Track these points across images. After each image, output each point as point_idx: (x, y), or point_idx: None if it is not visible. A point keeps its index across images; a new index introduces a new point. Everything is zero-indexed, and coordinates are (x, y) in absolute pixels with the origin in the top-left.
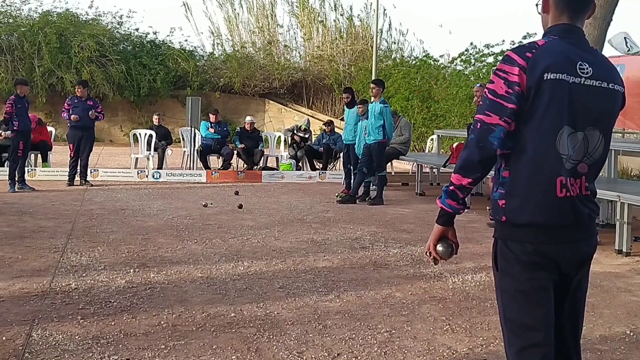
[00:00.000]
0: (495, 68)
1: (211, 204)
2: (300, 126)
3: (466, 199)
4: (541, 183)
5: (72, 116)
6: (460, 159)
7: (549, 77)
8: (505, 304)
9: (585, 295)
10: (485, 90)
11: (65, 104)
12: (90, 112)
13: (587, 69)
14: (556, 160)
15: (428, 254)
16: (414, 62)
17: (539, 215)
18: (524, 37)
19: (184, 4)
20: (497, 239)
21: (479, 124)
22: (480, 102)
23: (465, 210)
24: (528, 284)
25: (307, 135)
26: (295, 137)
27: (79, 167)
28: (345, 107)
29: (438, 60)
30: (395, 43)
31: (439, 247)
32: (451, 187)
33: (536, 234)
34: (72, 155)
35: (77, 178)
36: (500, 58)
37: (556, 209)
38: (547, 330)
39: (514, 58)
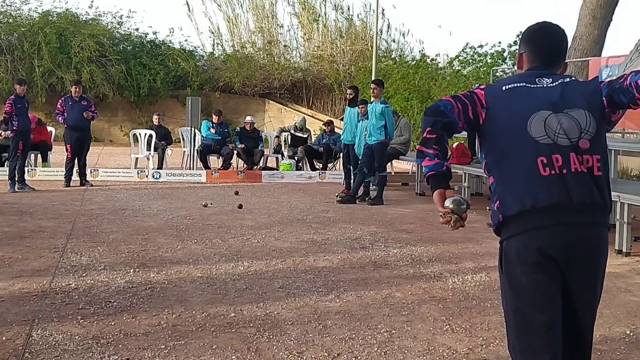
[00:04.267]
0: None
1: (211, 204)
2: (296, 125)
3: (469, 199)
4: (522, 170)
5: (60, 117)
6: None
7: (507, 88)
8: (510, 307)
9: (595, 304)
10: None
11: (59, 106)
12: (85, 113)
13: (549, 80)
14: (530, 144)
15: (442, 217)
16: (412, 62)
17: (528, 198)
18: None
19: (186, 4)
20: (500, 241)
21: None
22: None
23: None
24: (530, 287)
25: (306, 136)
26: (296, 134)
27: (76, 168)
28: (347, 106)
29: (435, 60)
30: (394, 42)
31: (448, 203)
32: (418, 148)
33: (530, 220)
34: (69, 156)
35: (77, 178)
36: (496, 58)
37: (543, 188)
38: (551, 337)
39: (475, 89)
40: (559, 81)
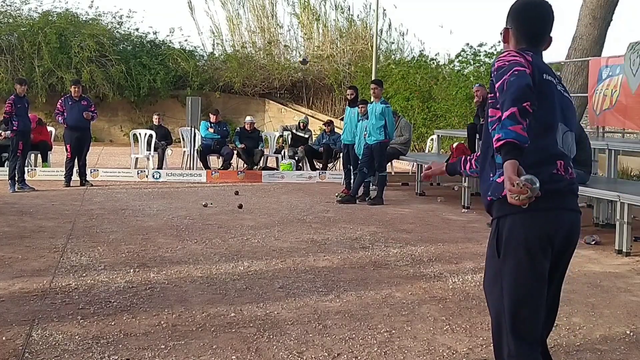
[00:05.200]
0: (495, 65)
1: (211, 203)
2: (300, 122)
3: (467, 200)
4: (542, 162)
5: (59, 118)
6: (508, 95)
7: (547, 78)
8: (507, 291)
9: (561, 287)
10: (498, 66)
11: (59, 106)
12: (85, 114)
13: (555, 80)
14: (556, 147)
15: (515, 189)
16: (411, 62)
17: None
18: None
19: (189, 4)
20: (498, 218)
21: (515, 71)
22: (502, 70)
23: (464, 210)
24: (533, 269)
25: (307, 135)
26: (298, 133)
27: (76, 168)
28: (347, 106)
29: (435, 59)
30: (394, 42)
31: (529, 178)
32: (510, 112)
33: (535, 200)
34: (69, 156)
35: (77, 178)
36: (496, 58)
37: (551, 179)
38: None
39: (516, 53)
40: (564, 94)
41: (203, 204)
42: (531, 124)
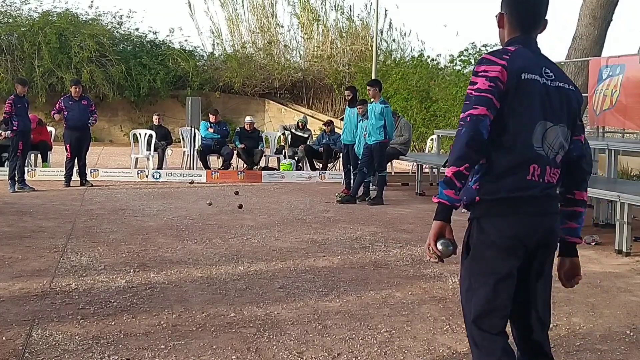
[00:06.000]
0: (471, 80)
1: (209, 203)
2: (299, 122)
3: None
4: (515, 168)
5: (56, 115)
6: (454, 151)
7: (526, 77)
8: (474, 288)
9: (550, 286)
10: (468, 91)
11: (57, 105)
12: (89, 123)
13: (550, 73)
14: (530, 150)
15: (429, 251)
16: (410, 62)
17: (512, 191)
18: None
19: (188, 3)
20: (472, 219)
21: (468, 117)
22: (466, 102)
23: (463, 209)
24: (500, 269)
25: (306, 135)
26: (297, 132)
27: (76, 168)
28: (346, 106)
29: (435, 60)
30: (394, 42)
31: (440, 246)
32: (448, 175)
33: (510, 206)
34: (69, 156)
35: (77, 178)
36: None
37: (525, 186)
38: (506, 319)
39: (493, 59)
40: (560, 84)
41: (208, 202)
42: (507, 127)
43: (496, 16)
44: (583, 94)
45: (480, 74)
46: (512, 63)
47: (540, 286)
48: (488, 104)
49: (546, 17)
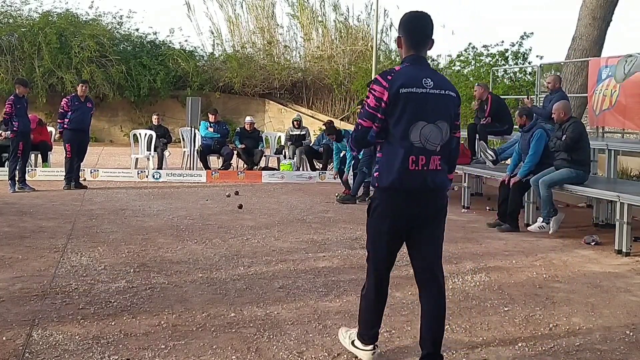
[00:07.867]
0: (369, 88)
1: (207, 200)
2: (293, 122)
3: (467, 200)
4: (398, 160)
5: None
6: (351, 139)
7: (403, 91)
8: (369, 239)
9: (443, 232)
10: (364, 102)
11: (64, 105)
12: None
13: (430, 82)
14: (409, 145)
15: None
16: None
17: (397, 181)
18: (522, 38)
19: (187, 4)
20: (372, 199)
21: (359, 126)
22: (361, 110)
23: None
24: (383, 229)
25: (304, 133)
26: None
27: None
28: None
29: (435, 60)
30: (395, 42)
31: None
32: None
33: (394, 195)
34: (69, 156)
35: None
36: (498, 58)
37: (408, 178)
38: (388, 262)
39: (380, 80)
40: (438, 91)
41: (227, 194)
42: (391, 129)
43: (395, 40)
44: (583, 94)
45: (371, 91)
46: (393, 83)
47: (434, 247)
48: (373, 119)
49: (432, 38)
